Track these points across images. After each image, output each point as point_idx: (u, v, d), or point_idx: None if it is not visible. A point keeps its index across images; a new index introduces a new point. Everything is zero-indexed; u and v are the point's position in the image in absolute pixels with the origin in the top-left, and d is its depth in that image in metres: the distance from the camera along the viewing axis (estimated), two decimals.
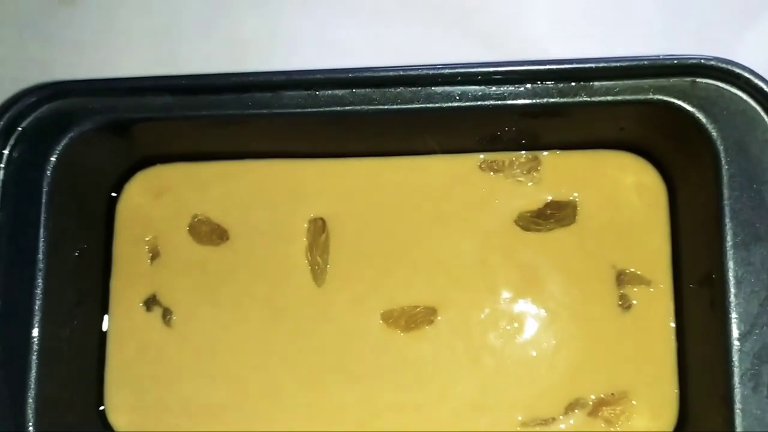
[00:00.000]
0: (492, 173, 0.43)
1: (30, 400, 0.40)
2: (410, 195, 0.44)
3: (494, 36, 0.44)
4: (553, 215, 0.42)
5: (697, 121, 0.37)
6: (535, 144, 0.43)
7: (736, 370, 0.36)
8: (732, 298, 0.36)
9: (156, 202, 0.46)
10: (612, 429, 0.40)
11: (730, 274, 0.36)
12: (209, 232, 0.45)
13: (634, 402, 0.40)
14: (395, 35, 0.45)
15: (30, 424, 0.40)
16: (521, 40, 0.44)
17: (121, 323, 0.45)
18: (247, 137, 0.44)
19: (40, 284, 0.41)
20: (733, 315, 0.36)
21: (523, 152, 0.43)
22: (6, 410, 0.39)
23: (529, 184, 0.43)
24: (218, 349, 0.44)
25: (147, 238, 0.45)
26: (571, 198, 0.43)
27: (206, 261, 0.45)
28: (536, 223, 0.42)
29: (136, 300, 0.45)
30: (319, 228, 0.44)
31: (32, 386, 0.40)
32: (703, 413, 0.39)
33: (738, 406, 0.36)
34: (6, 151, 0.41)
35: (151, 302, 0.45)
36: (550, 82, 0.38)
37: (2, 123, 0.41)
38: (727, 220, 0.37)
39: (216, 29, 0.46)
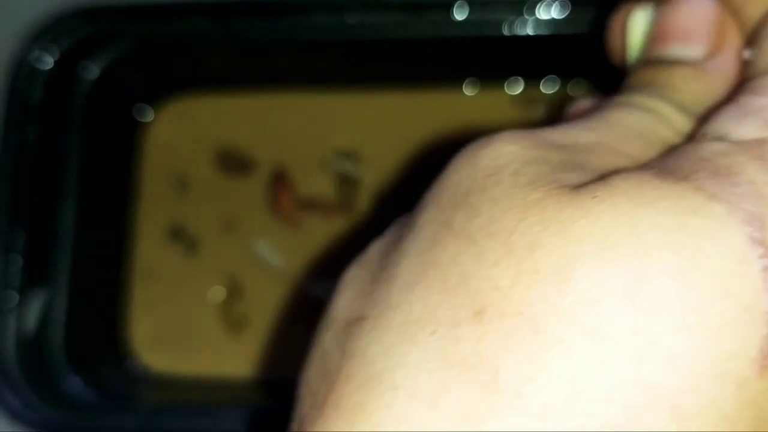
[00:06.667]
0: (523, 108, 0.44)
1: (58, 317, 0.40)
2: (441, 129, 0.44)
3: None
4: None
5: None
6: (571, 79, 0.43)
7: None
8: None
9: (184, 132, 0.46)
10: None
11: None
12: (237, 163, 0.45)
13: None
14: None
15: (58, 340, 0.40)
16: None
17: (145, 252, 0.45)
18: (277, 67, 0.44)
19: (71, 207, 0.41)
20: None
21: (557, 87, 0.43)
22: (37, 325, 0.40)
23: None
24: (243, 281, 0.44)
25: (174, 168, 0.46)
26: None
27: (233, 192, 0.45)
28: None
29: (160, 229, 0.45)
30: (348, 161, 0.44)
31: (61, 306, 0.40)
32: None
33: None
34: (41, 74, 0.42)
35: (175, 232, 0.45)
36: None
37: (39, 44, 0.41)
38: None
39: None
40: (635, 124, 0.18)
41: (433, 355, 0.15)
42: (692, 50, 0.20)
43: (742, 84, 0.19)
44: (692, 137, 0.18)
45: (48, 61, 0.41)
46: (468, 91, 0.44)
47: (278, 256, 0.44)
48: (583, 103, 0.25)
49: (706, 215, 0.15)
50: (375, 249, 0.18)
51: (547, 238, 0.15)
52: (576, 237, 0.15)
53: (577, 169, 0.16)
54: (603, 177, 0.16)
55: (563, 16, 0.38)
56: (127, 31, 0.42)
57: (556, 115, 0.43)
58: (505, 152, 0.17)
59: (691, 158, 0.16)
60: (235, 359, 0.43)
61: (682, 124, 0.19)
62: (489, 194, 0.16)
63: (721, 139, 0.17)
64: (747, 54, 0.20)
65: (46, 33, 0.41)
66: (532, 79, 0.43)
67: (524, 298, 0.14)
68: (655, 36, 0.21)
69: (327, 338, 0.17)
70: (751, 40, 0.20)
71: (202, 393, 0.42)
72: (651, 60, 0.21)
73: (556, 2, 0.38)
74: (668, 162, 0.17)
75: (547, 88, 0.43)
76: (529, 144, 0.17)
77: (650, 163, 0.17)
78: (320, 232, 0.44)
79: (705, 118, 0.18)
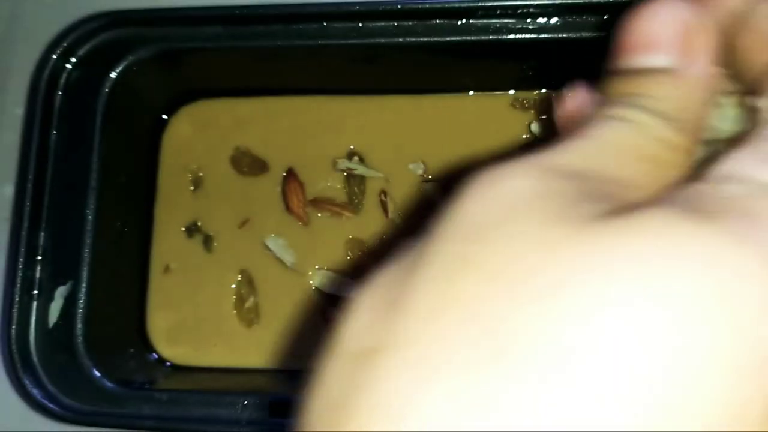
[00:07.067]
0: (522, 111, 0.46)
1: (80, 310, 0.42)
2: (444, 132, 0.46)
3: None
4: None
5: None
6: (565, 82, 0.45)
7: None
8: None
9: (200, 134, 0.48)
10: None
11: None
12: (250, 164, 0.47)
13: None
14: None
15: (79, 332, 0.42)
16: None
17: (163, 248, 0.47)
18: (289, 72, 0.46)
19: (92, 205, 0.43)
20: None
21: (553, 90, 0.45)
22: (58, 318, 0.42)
23: None
24: (257, 276, 0.46)
25: (190, 168, 0.48)
26: None
27: (246, 191, 0.47)
28: None
29: (178, 226, 0.47)
30: (355, 162, 0.46)
31: (82, 299, 0.42)
32: None
33: None
34: (63, 77, 0.43)
35: (192, 229, 0.47)
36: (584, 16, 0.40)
37: (61, 49, 0.43)
38: None
39: None
40: (620, 139, 0.18)
41: (450, 396, 0.14)
42: (660, 59, 0.20)
43: (755, 128, 0.19)
44: (703, 175, 0.18)
45: (69, 65, 0.43)
46: (469, 93, 0.46)
47: (290, 252, 0.45)
48: (570, 101, 0.24)
49: (736, 259, 0.15)
50: (385, 275, 0.17)
51: (572, 278, 0.15)
52: (601, 280, 0.14)
53: (589, 200, 0.16)
54: (623, 211, 0.16)
55: (560, 24, 0.40)
56: (147, 36, 0.43)
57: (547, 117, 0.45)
58: (515, 188, 0.16)
59: (714, 199, 0.16)
60: (249, 350, 0.45)
61: (666, 131, 0.19)
62: (505, 230, 0.16)
63: (744, 181, 0.17)
64: (758, 102, 0.20)
65: (66, 38, 0.43)
66: (531, 81, 0.45)
67: (549, 341, 0.14)
68: (619, 47, 0.21)
69: (336, 366, 0.16)
70: (755, 88, 0.20)
71: (218, 382, 0.44)
72: (623, 70, 0.21)
73: (555, 11, 0.40)
74: (689, 200, 0.16)
75: (545, 89, 0.45)
76: (535, 175, 0.17)
77: (668, 197, 0.17)
78: (329, 229, 0.46)
79: (715, 158, 0.18)
